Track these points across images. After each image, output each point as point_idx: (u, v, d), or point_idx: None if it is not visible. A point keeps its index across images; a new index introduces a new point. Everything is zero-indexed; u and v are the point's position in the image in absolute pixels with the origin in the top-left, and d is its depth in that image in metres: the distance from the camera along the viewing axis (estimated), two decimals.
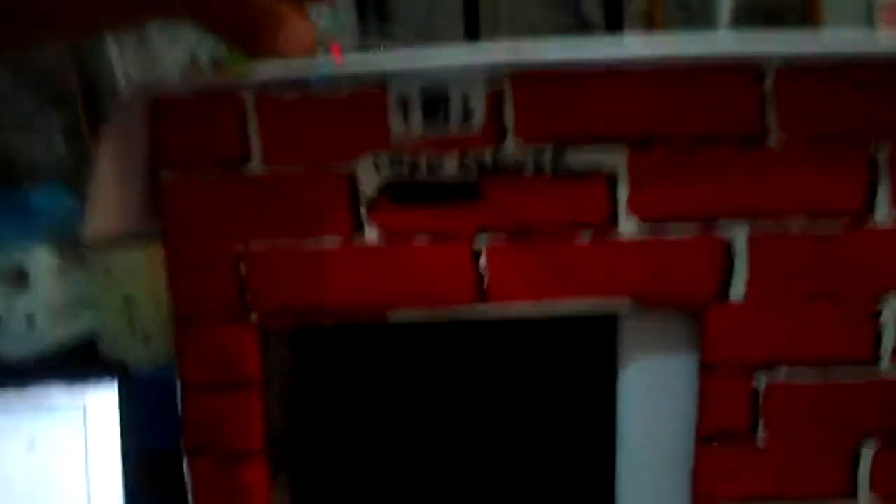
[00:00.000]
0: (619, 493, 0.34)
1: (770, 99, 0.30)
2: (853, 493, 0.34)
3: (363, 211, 0.32)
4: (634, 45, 0.30)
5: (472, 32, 1.10)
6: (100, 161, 0.29)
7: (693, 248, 0.31)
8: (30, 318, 0.79)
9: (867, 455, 0.33)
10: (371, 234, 0.32)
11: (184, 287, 0.32)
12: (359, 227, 0.32)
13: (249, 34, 0.28)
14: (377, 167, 0.31)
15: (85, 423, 0.65)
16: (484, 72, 0.30)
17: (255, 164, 0.31)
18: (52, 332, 0.79)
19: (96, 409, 0.66)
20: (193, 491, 0.34)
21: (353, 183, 0.31)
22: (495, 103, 0.30)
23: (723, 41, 0.32)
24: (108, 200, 0.30)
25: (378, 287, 0.32)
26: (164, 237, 0.32)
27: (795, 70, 0.30)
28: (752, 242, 0.31)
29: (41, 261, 0.80)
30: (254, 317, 0.33)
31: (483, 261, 0.32)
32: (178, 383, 0.34)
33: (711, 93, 0.30)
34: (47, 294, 0.80)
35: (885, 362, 0.32)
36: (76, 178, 1.03)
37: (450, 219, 0.32)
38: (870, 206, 0.31)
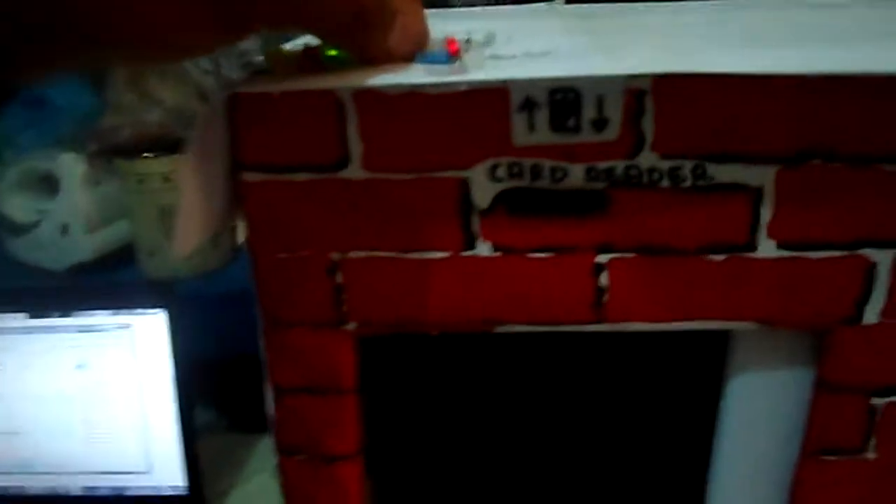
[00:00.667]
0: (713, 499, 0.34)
1: None
2: None
3: (475, 224, 0.29)
4: (806, 56, 0.26)
5: None
6: (185, 172, 0.26)
7: (832, 269, 0.29)
8: (64, 227, 0.77)
9: None
10: (483, 249, 0.29)
11: (274, 290, 0.30)
12: (470, 242, 0.29)
13: (359, 36, 0.24)
14: (494, 175, 0.28)
15: (133, 344, 0.65)
16: (626, 75, 0.26)
17: (355, 169, 0.28)
18: (88, 242, 0.77)
19: (144, 331, 0.66)
20: (287, 489, 0.34)
21: (464, 192, 0.28)
22: (634, 110, 0.27)
23: (887, 51, 0.27)
24: (196, 212, 0.27)
25: (487, 302, 0.30)
26: (251, 239, 0.29)
27: None
28: None
29: (71, 168, 0.77)
30: (351, 325, 0.31)
31: (605, 277, 0.29)
32: (269, 383, 0.32)
33: (874, 107, 0.26)
34: (80, 202, 0.77)
35: None
36: (97, 74, 0.96)
37: (572, 232, 0.29)
38: None
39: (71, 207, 0.78)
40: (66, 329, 0.65)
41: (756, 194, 0.28)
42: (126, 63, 0.22)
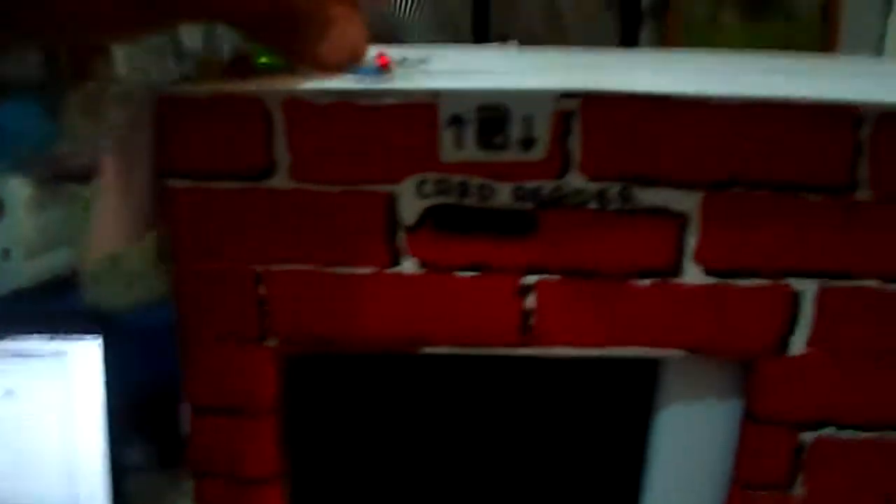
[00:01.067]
0: None
1: (865, 148, 0.27)
2: None
3: (401, 239, 0.28)
4: (728, 78, 0.27)
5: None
6: (105, 174, 0.25)
7: (758, 297, 0.29)
8: (5, 252, 0.75)
9: None
10: (408, 266, 0.28)
11: (195, 302, 0.29)
12: (395, 258, 0.28)
13: (289, 40, 0.24)
14: (421, 191, 0.28)
15: (67, 372, 0.63)
16: (553, 97, 0.26)
17: (281, 178, 0.28)
18: (29, 269, 0.74)
19: (78, 359, 0.63)
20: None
21: (391, 206, 0.28)
22: (561, 129, 0.27)
23: (823, 82, 0.28)
24: (113, 215, 0.26)
25: (413, 321, 0.29)
26: (174, 248, 0.28)
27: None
28: (821, 297, 0.29)
29: (17, 192, 0.75)
30: (272, 341, 0.30)
31: (531, 300, 0.29)
32: (187, 404, 0.31)
33: (802, 136, 0.27)
34: (23, 227, 0.75)
35: None
36: (51, 96, 0.95)
37: (499, 252, 0.28)
38: None
39: (14, 232, 0.75)
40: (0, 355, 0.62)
41: (682, 220, 0.28)
42: (45, 41, 0.22)
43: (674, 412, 0.32)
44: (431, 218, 0.28)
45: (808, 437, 0.31)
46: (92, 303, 0.72)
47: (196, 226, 0.28)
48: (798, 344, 0.30)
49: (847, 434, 0.31)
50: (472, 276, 0.28)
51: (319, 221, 0.28)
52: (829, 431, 0.31)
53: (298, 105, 0.27)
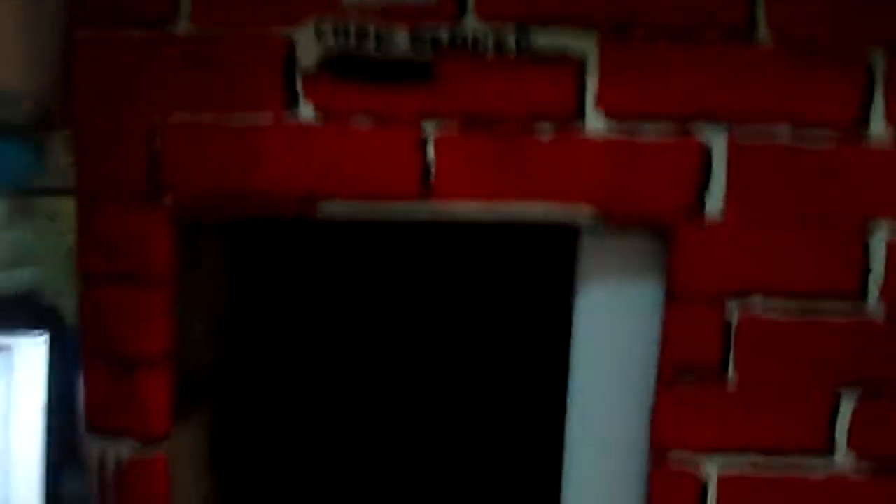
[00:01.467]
0: (569, 429, 0.30)
1: None
2: (830, 448, 0.30)
3: (299, 84, 0.28)
4: None
5: None
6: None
7: (666, 151, 0.28)
8: None
9: (847, 405, 0.30)
10: (306, 112, 0.28)
11: (90, 162, 0.29)
12: (293, 103, 0.28)
13: None
14: (319, 35, 0.28)
15: (11, 368, 0.60)
16: None
17: (183, 24, 0.28)
18: None
19: (23, 355, 0.61)
20: (87, 394, 0.30)
21: (290, 51, 0.28)
22: None
23: None
24: (7, 48, 0.26)
25: (310, 174, 0.28)
26: (76, 105, 0.28)
27: None
28: (733, 149, 0.28)
29: None
30: (167, 200, 0.29)
31: (431, 151, 0.28)
32: (78, 276, 0.30)
33: None
34: None
35: (872, 298, 0.29)
36: (38, 136, 0.98)
37: (397, 100, 0.28)
38: (864, 119, 0.28)
39: None
40: None
41: (581, 63, 0.28)
42: None
43: (595, 293, 0.30)
44: (330, 65, 0.28)
45: (734, 310, 0.29)
46: (44, 307, 0.71)
47: (96, 79, 0.28)
48: (714, 205, 0.28)
49: (775, 304, 0.29)
50: (370, 128, 0.28)
51: (218, 68, 0.28)
52: (756, 301, 0.29)
53: None
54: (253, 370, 0.36)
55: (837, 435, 0.30)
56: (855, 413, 0.30)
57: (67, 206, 0.75)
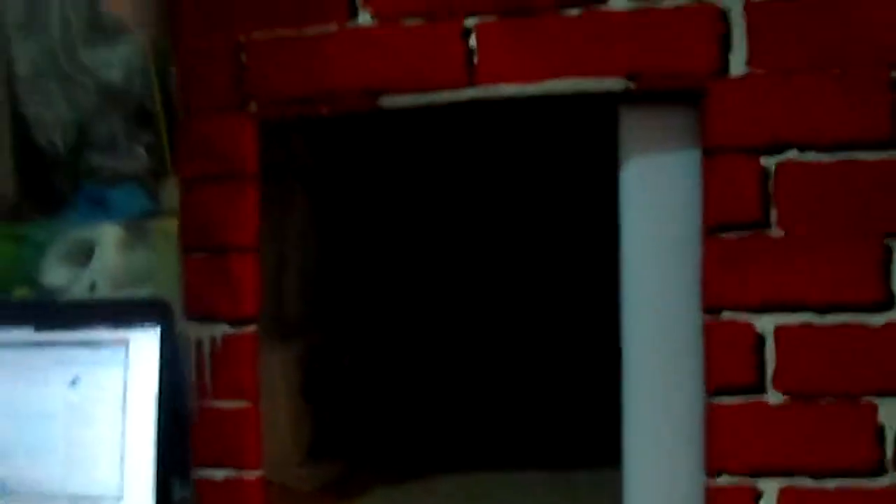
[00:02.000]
0: (625, 293, 0.32)
1: None
2: (889, 301, 0.30)
3: None
4: None
5: None
6: None
7: (686, 17, 0.31)
8: (92, 286, 0.83)
9: None
10: (364, 18, 0.33)
11: (189, 77, 0.34)
12: (353, 12, 0.33)
13: None
14: None
15: (127, 360, 0.67)
16: None
17: None
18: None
19: (139, 348, 0.67)
20: (187, 285, 0.34)
21: None
22: None
23: None
24: None
25: (371, 70, 0.33)
26: (173, 31, 0.34)
27: None
28: (749, 9, 0.30)
29: (108, 235, 0.85)
30: (253, 106, 0.34)
31: (473, 40, 0.32)
32: (179, 180, 0.35)
33: None
34: (110, 264, 0.84)
35: None
36: (152, 183, 1.10)
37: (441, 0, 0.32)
38: None
39: (102, 268, 0.84)
40: (67, 344, 0.68)
41: None
42: None
43: (637, 163, 0.32)
44: None
45: (770, 161, 0.30)
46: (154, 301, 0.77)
47: (192, 11, 0.34)
48: (738, 63, 0.30)
49: (810, 155, 0.30)
50: (419, 24, 0.32)
51: None
52: (791, 153, 0.30)
53: None
54: (342, 304, 0.40)
55: (894, 286, 0.30)
56: None
57: None
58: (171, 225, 0.84)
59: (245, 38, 0.33)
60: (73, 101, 1.45)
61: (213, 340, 0.33)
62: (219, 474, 0.33)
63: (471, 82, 0.32)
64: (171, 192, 1.03)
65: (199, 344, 0.33)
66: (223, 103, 0.33)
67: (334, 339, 0.44)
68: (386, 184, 0.42)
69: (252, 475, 0.32)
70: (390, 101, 0.33)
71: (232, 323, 0.32)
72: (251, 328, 0.32)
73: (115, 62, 1.45)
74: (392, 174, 0.42)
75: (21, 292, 0.99)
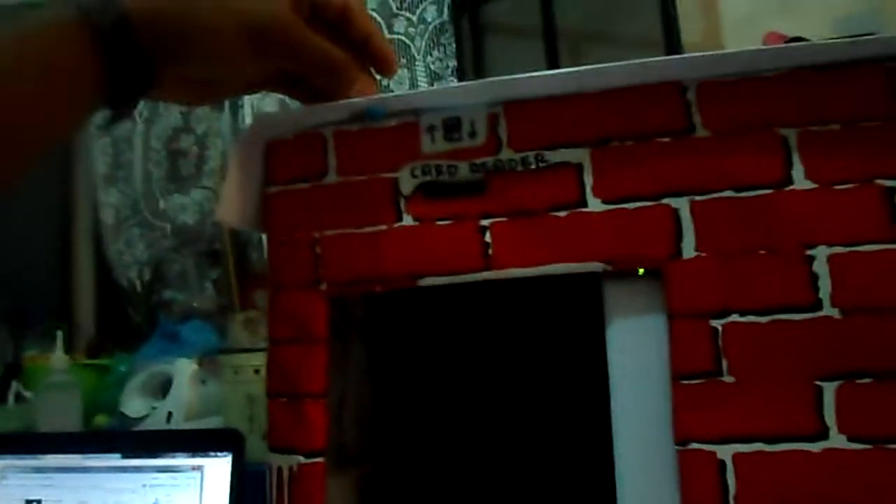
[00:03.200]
0: (615, 430, 0.40)
1: (694, 104, 0.41)
2: (824, 432, 0.38)
3: (402, 205, 0.44)
4: (587, 75, 0.43)
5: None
6: (233, 160, 0.44)
7: (648, 218, 0.41)
8: (169, 415, 0.94)
9: (830, 392, 0.38)
10: (407, 220, 0.44)
11: (276, 262, 0.45)
12: (399, 217, 0.44)
13: (329, 85, 0.44)
14: (412, 174, 0.44)
15: (202, 483, 0.76)
16: (486, 104, 0.44)
17: (332, 176, 0.46)
18: (186, 427, 0.92)
19: (212, 472, 0.76)
20: (271, 426, 0.44)
21: (395, 186, 0.45)
22: (493, 124, 0.44)
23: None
24: (233, 196, 0.44)
25: (412, 260, 0.44)
26: (266, 225, 0.46)
27: (710, 83, 0.41)
28: (694, 210, 0.40)
29: (183, 369, 0.96)
30: (324, 286, 0.45)
31: (488, 236, 0.43)
32: (268, 341, 0.45)
33: (645, 102, 0.42)
34: (186, 396, 0.94)
35: (826, 305, 0.38)
36: (221, 318, 1.23)
37: (464, 206, 0.43)
38: (788, 178, 0.40)
39: (178, 400, 0.95)
40: (149, 469, 0.77)
41: (579, 168, 0.42)
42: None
43: (619, 325, 0.42)
44: (420, 190, 0.44)
45: (718, 323, 0.39)
46: (226, 430, 0.87)
47: (280, 214, 0.46)
48: (688, 248, 0.40)
49: (749, 318, 0.39)
50: (448, 224, 0.43)
51: (355, 201, 0.45)
52: (734, 318, 0.39)
53: (341, 132, 0.46)
54: (395, 436, 0.50)
55: (826, 419, 0.38)
56: (838, 397, 0.38)
57: (246, 360, 0.95)
58: (239, 360, 0.95)
59: (319, 234, 0.45)
60: (150, 243, 1.63)
61: (290, 468, 0.42)
62: None
63: (486, 267, 0.42)
64: (238, 328, 1.16)
65: (280, 470, 0.42)
66: (302, 282, 0.44)
67: (386, 467, 0.53)
68: (426, 345, 0.52)
69: None
70: (427, 281, 0.43)
71: (305, 455, 0.42)
72: (320, 459, 0.42)
73: (189, 206, 1.64)
74: (430, 338, 0.52)
75: (102, 420, 1.11)
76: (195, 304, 1.17)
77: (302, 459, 0.42)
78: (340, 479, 0.49)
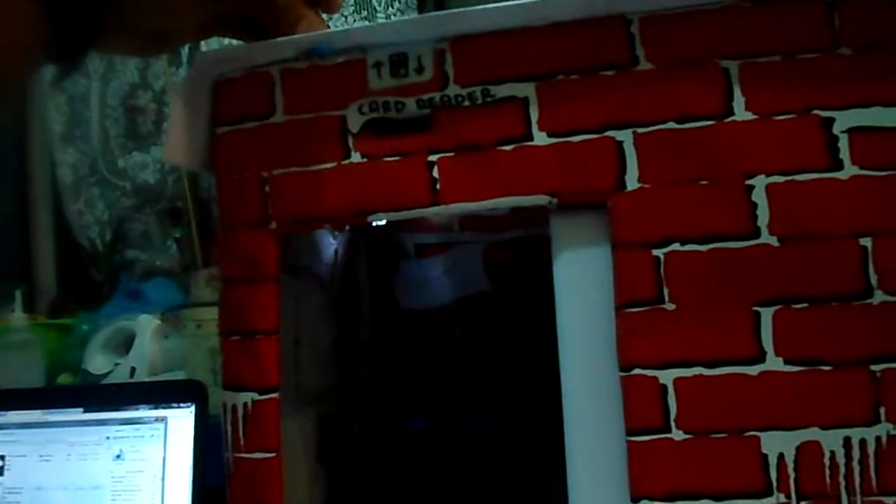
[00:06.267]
0: (562, 357, 0.41)
1: (637, 37, 0.41)
2: (761, 356, 0.39)
3: (350, 142, 0.44)
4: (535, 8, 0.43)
5: None
6: (176, 106, 0.44)
7: (592, 150, 0.41)
8: (132, 371, 0.93)
9: (767, 316, 0.39)
10: (356, 157, 0.44)
11: (226, 203, 0.45)
12: (347, 154, 0.44)
13: (274, 28, 0.43)
14: (360, 111, 0.44)
15: (165, 436, 0.76)
16: (432, 39, 0.43)
17: (279, 115, 0.45)
18: None
19: (176, 425, 0.77)
20: (225, 362, 0.44)
21: (343, 123, 0.44)
22: (440, 59, 0.43)
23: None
24: (179, 136, 0.44)
25: (361, 196, 0.44)
26: (215, 167, 0.46)
27: (654, 16, 0.41)
28: (637, 142, 0.41)
29: (146, 324, 0.96)
30: (273, 224, 0.45)
31: (436, 171, 0.43)
32: (220, 281, 0.45)
33: (591, 35, 0.42)
34: (148, 351, 0.94)
35: (764, 233, 0.40)
36: (184, 276, 1.22)
37: (412, 143, 0.43)
38: (729, 109, 0.40)
39: (141, 355, 0.95)
40: (112, 422, 0.77)
41: (525, 102, 0.42)
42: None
43: (566, 258, 0.42)
44: (368, 127, 0.44)
45: (660, 252, 0.40)
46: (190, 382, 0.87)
47: (228, 154, 0.46)
48: (632, 180, 0.41)
49: (690, 247, 0.40)
50: (396, 161, 0.43)
51: (302, 139, 0.45)
52: (675, 247, 0.40)
53: (289, 70, 0.45)
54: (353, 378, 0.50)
55: (764, 344, 0.39)
56: (774, 321, 0.39)
57: (210, 314, 0.94)
58: (201, 314, 0.95)
59: (268, 173, 0.44)
60: (110, 202, 1.59)
61: (245, 405, 0.42)
62: None
63: (434, 202, 0.43)
64: (201, 284, 1.15)
65: (234, 408, 0.43)
66: (252, 222, 0.44)
67: (345, 407, 0.53)
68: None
69: None
70: (376, 217, 0.43)
71: (259, 391, 0.42)
72: (275, 395, 0.42)
73: (150, 164, 1.61)
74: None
75: (66, 379, 1.10)
76: (158, 263, 1.16)
77: (256, 396, 0.43)
78: (299, 419, 0.49)
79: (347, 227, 0.57)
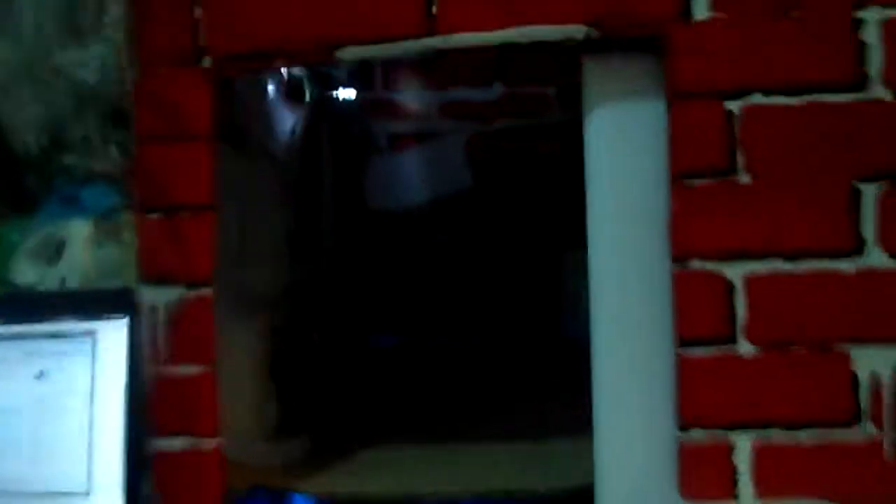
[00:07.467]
0: (592, 243, 0.31)
1: None
2: (859, 247, 0.29)
3: None
4: None
5: None
6: None
7: None
8: (62, 282, 0.82)
9: (870, 196, 0.29)
10: None
11: (145, 32, 0.33)
12: None
13: None
14: None
15: (94, 352, 0.65)
16: None
17: None
18: None
19: (107, 339, 0.65)
20: (141, 246, 0.33)
21: None
22: None
23: None
24: None
25: (327, 22, 0.32)
26: None
27: None
28: None
29: (78, 230, 0.84)
30: (206, 61, 0.33)
31: None
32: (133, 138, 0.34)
33: None
34: (81, 260, 0.82)
35: (875, 82, 0.29)
36: (125, 181, 1.08)
37: None
38: None
39: (72, 264, 0.83)
40: (34, 336, 0.66)
41: None
42: None
43: (601, 115, 0.32)
44: None
45: (735, 106, 0.30)
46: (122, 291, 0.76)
47: None
48: (700, 7, 0.30)
49: (776, 100, 0.29)
50: None
51: None
52: (756, 99, 0.29)
53: None
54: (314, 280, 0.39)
55: (864, 229, 0.29)
56: (880, 203, 0.29)
57: None
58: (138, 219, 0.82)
59: None
60: (46, 103, 1.43)
61: (167, 306, 0.31)
62: (176, 444, 0.31)
63: (430, 32, 0.31)
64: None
65: (153, 310, 0.32)
66: (178, 57, 0.32)
67: (302, 316, 0.43)
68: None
69: (209, 444, 0.31)
70: (348, 52, 0.32)
71: (187, 285, 0.31)
72: (207, 291, 0.31)
73: (89, 62, 1.44)
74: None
75: None
76: (97, 168, 1.02)
77: (183, 292, 0.32)
78: (244, 327, 0.39)
79: (308, 96, 0.45)
